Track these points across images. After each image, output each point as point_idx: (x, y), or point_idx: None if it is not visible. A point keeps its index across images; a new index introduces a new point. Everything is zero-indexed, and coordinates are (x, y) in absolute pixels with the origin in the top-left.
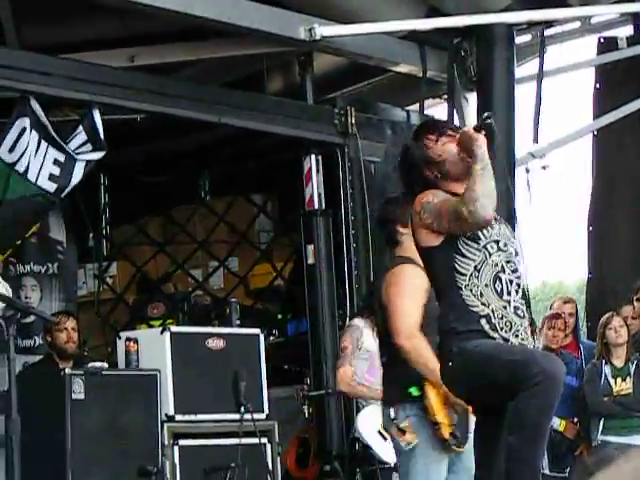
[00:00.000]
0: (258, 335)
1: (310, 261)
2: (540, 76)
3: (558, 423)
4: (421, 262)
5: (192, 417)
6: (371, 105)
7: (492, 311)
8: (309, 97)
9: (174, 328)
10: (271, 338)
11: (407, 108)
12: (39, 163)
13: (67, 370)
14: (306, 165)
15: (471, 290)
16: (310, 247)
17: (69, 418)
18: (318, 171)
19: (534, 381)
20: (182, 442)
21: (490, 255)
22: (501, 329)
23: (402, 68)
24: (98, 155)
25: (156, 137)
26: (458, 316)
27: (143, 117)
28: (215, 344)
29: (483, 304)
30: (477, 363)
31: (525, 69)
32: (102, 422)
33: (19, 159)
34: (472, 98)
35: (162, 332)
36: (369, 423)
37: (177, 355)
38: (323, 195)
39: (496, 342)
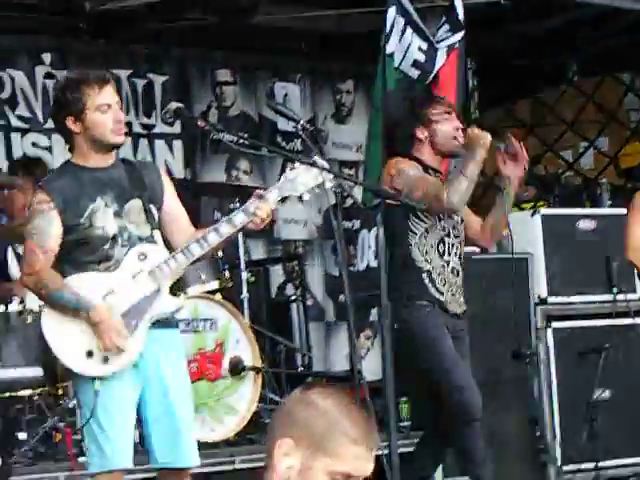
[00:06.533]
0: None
1: None
2: None
3: None
4: None
5: (565, 299)
6: None
7: (433, 268)
8: None
9: (545, 210)
10: None
11: None
12: (403, 49)
13: None
14: None
15: (419, 248)
16: None
17: None
18: None
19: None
20: (555, 324)
21: (440, 220)
22: (438, 283)
23: None
24: (457, 37)
25: (523, 19)
26: (405, 270)
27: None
28: (586, 225)
29: (426, 261)
30: (421, 357)
31: None
32: (475, 306)
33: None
34: None
35: (533, 215)
36: None
37: (548, 237)
38: None
39: (442, 345)
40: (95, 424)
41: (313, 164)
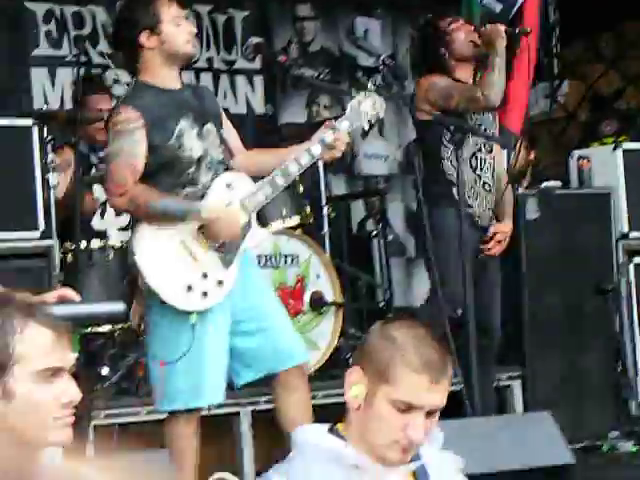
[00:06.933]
0: None
1: None
2: None
3: None
4: None
5: None
6: None
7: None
8: None
9: (627, 145)
10: None
11: None
12: None
13: (520, 190)
14: None
15: (451, 161)
16: None
17: (524, 238)
18: None
19: None
20: (637, 259)
21: (471, 135)
22: (468, 197)
23: None
24: None
25: None
26: (435, 179)
27: None
28: None
29: (458, 174)
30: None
31: None
32: (556, 241)
33: None
34: None
35: (614, 149)
36: None
37: (630, 172)
38: None
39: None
40: (189, 359)
41: (371, 92)
